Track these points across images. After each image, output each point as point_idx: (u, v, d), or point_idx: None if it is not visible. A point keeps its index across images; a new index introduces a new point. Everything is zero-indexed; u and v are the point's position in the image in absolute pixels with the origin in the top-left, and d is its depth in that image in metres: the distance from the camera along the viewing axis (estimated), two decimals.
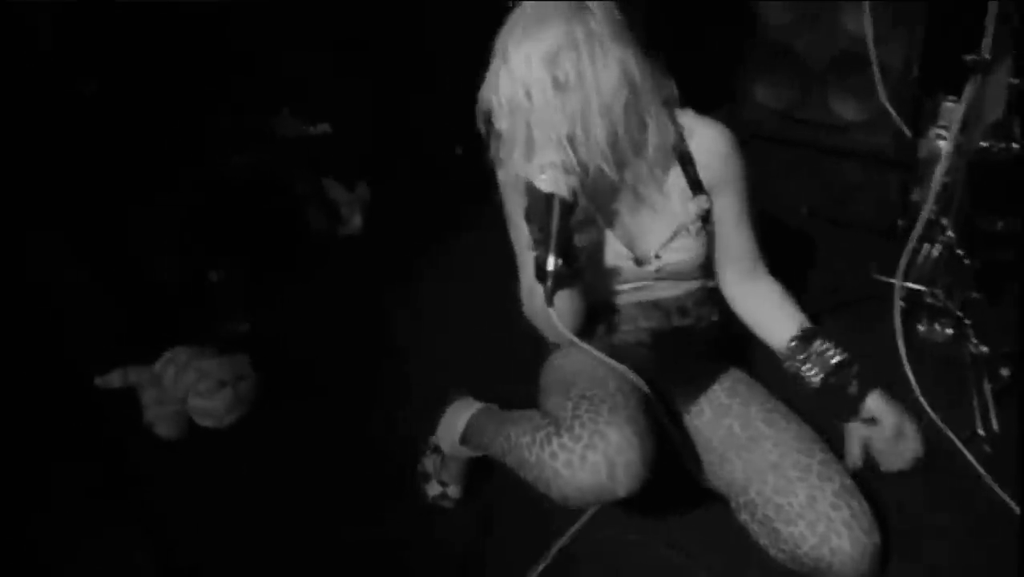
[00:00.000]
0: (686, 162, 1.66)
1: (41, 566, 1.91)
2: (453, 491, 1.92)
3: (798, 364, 1.72)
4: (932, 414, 1.95)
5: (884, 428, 1.64)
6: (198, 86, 2.75)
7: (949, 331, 2.18)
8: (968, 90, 1.91)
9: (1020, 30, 1.93)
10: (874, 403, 1.66)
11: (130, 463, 2.16)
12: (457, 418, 1.90)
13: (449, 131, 3.19)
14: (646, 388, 1.63)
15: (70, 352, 2.38)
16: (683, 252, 1.70)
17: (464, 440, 1.87)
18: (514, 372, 1.94)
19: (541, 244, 1.47)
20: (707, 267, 1.79)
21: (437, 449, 1.94)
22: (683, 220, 1.68)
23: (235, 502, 2.02)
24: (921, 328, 2.20)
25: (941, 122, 2.40)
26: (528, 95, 1.50)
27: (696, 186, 1.67)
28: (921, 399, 1.96)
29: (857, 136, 2.77)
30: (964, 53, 2.60)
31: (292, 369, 2.37)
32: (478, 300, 2.49)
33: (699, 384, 1.82)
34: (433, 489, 1.92)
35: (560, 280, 1.45)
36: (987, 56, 1.82)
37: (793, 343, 1.73)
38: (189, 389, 2.20)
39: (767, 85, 2.93)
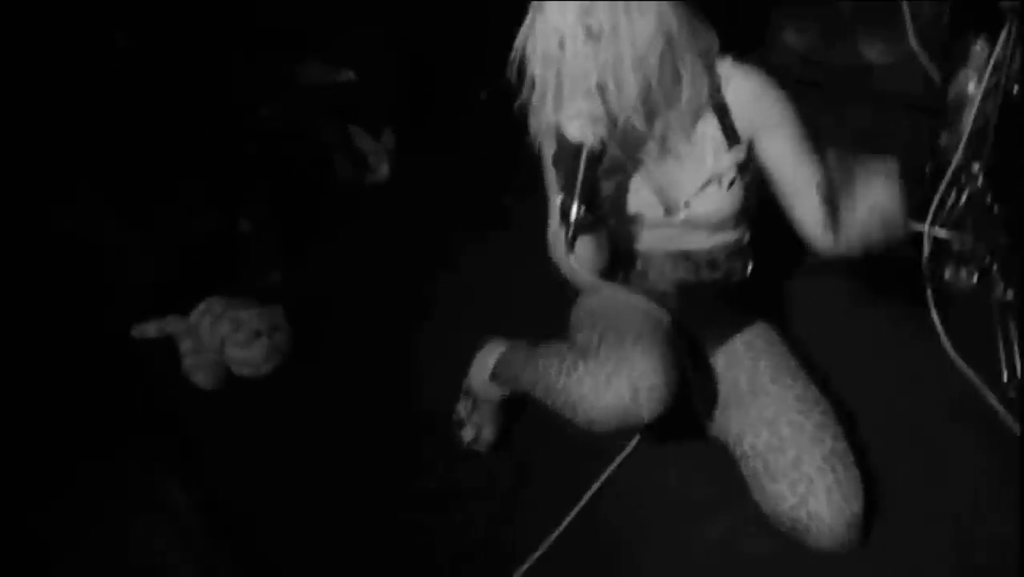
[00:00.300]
0: (721, 112, 1.66)
1: (85, 503, 1.95)
2: (487, 433, 1.97)
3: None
4: (958, 359, 1.98)
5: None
6: (223, 37, 2.75)
7: (975, 277, 2.19)
8: (1003, 35, 1.89)
9: None
10: None
11: (169, 410, 2.22)
12: (488, 357, 1.94)
13: (474, 77, 3.22)
14: (667, 320, 1.67)
15: (107, 302, 2.42)
16: (714, 203, 1.71)
17: (494, 376, 1.91)
18: (548, 322, 1.96)
19: (566, 191, 1.50)
20: (741, 218, 1.79)
21: (469, 392, 1.98)
22: (715, 171, 1.68)
23: (271, 450, 2.07)
24: (948, 273, 2.21)
25: (971, 65, 2.39)
26: (561, 44, 1.51)
27: (732, 136, 1.67)
28: (947, 344, 1.99)
29: (886, 79, 2.74)
30: None
31: (325, 320, 2.41)
32: (508, 249, 2.52)
33: (722, 332, 1.85)
34: (467, 434, 1.97)
35: (581, 227, 1.49)
36: (1021, 2, 1.80)
37: None
38: (225, 339, 2.25)
39: (796, 30, 2.90)
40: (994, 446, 1.83)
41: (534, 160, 1.79)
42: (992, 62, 1.98)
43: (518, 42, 1.57)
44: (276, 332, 2.27)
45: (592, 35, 1.49)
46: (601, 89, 1.51)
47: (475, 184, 2.86)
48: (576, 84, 1.52)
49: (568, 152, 1.50)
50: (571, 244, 1.50)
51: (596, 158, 1.50)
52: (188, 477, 2.01)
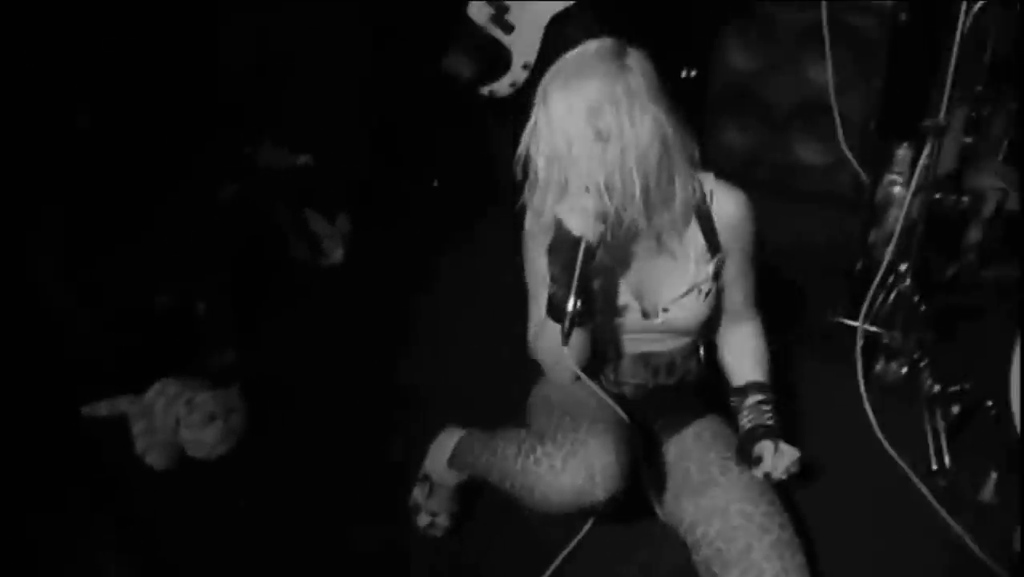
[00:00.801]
0: (707, 223, 1.74)
1: None
2: (442, 519, 2.00)
3: (738, 407, 1.86)
4: (890, 449, 2.09)
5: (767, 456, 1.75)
6: (183, 119, 2.80)
7: (904, 370, 2.31)
8: (925, 151, 2.05)
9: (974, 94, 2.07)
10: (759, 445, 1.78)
11: (120, 489, 2.21)
12: (446, 441, 1.99)
13: (427, 165, 3.32)
14: (627, 419, 1.75)
15: (59, 379, 2.41)
16: (691, 310, 1.79)
17: (452, 460, 1.96)
18: (502, 398, 2.04)
19: (562, 284, 1.57)
20: (708, 325, 1.88)
21: (426, 478, 2.02)
22: (696, 279, 1.77)
23: (228, 530, 2.07)
24: (878, 367, 2.34)
25: (896, 168, 2.56)
26: (569, 144, 1.56)
27: (714, 246, 1.75)
28: (880, 435, 2.10)
29: (818, 179, 2.92)
30: (918, 105, 2.79)
31: (280, 399, 2.42)
32: (464, 328, 2.62)
33: (673, 423, 1.94)
34: (423, 519, 2.00)
35: (576, 321, 1.56)
36: (943, 123, 1.96)
37: (737, 394, 1.87)
38: (180, 421, 2.25)
39: (732, 128, 3.07)
40: (925, 533, 1.93)
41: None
42: (919, 168, 2.12)
43: (523, 141, 1.63)
44: (231, 414, 2.28)
45: (600, 137, 1.55)
46: (608, 188, 1.57)
47: (429, 267, 2.94)
48: (582, 182, 1.58)
49: (567, 245, 1.57)
50: (567, 337, 1.56)
51: (592, 254, 1.58)
52: (135, 555, 2.01)
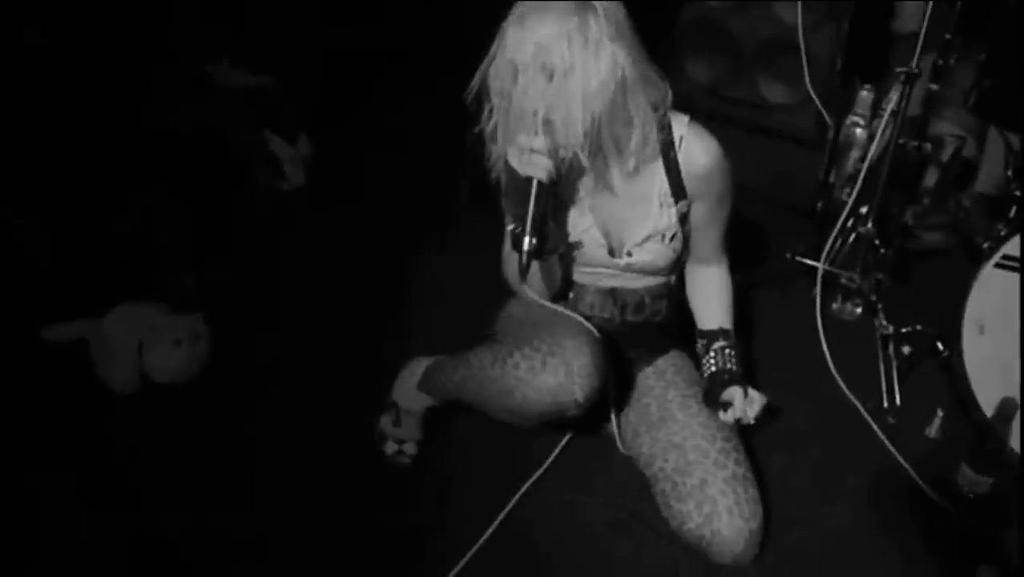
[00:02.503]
0: (672, 168, 1.74)
1: None
2: (409, 448, 2.03)
3: (703, 350, 1.90)
4: (843, 385, 2.16)
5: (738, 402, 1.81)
6: (138, 36, 2.71)
7: (859, 310, 2.39)
8: (894, 96, 2.08)
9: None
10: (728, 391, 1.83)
11: (82, 413, 2.19)
12: (415, 369, 2.01)
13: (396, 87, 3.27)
14: (597, 334, 1.78)
15: (16, 302, 2.37)
16: (654, 253, 1.82)
17: (422, 385, 1.98)
18: (481, 329, 2.05)
19: (518, 221, 1.59)
20: (674, 266, 1.90)
21: (393, 405, 2.04)
22: (659, 224, 1.78)
23: (190, 456, 2.07)
24: (835, 305, 2.41)
25: (857, 110, 2.60)
26: (515, 77, 1.57)
27: (679, 193, 1.76)
28: (834, 372, 2.17)
29: (782, 118, 2.93)
30: (882, 48, 2.81)
31: (244, 326, 2.41)
32: (428, 255, 2.64)
33: (635, 361, 1.99)
34: (390, 447, 2.03)
35: (532, 256, 1.59)
36: (916, 70, 1.99)
37: (704, 337, 1.92)
38: (144, 345, 2.23)
39: (699, 61, 3.05)
40: (874, 467, 2.02)
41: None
42: (886, 113, 2.15)
43: (481, 69, 1.62)
44: (197, 340, 2.26)
45: (545, 71, 1.55)
46: (547, 124, 1.57)
47: (396, 189, 2.92)
48: (523, 116, 1.58)
49: (518, 185, 1.59)
50: (524, 272, 1.59)
51: (546, 192, 1.58)
52: (96, 481, 2.01)
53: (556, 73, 1.54)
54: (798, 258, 2.45)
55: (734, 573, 1.75)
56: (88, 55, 2.56)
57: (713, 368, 1.86)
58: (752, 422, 1.79)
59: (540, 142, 1.57)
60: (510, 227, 1.63)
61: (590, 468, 2.01)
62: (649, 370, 1.97)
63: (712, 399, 1.84)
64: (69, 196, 2.48)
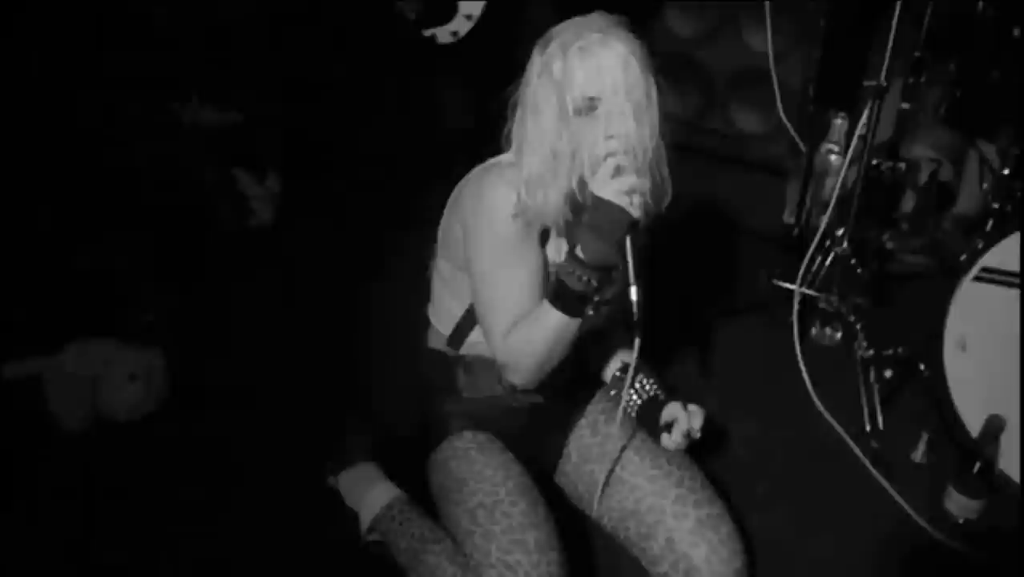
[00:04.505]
0: None
1: None
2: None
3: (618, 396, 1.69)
4: (824, 411, 2.10)
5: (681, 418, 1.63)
6: (105, 69, 2.68)
7: (839, 335, 2.34)
8: (866, 112, 2.05)
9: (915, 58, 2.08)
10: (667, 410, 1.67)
11: (33, 456, 2.10)
12: (364, 493, 1.83)
13: (356, 125, 3.23)
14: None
15: None
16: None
17: (373, 529, 1.79)
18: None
19: (593, 273, 1.45)
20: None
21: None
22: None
23: (145, 496, 1.97)
24: (814, 331, 2.35)
25: (832, 137, 2.59)
26: (586, 111, 1.41)
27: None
28: (815, 397, 2.11)
29: (756, 147, 2.92)
30: (855, 75, 2.80)
31: (201, 361, 2.33)
32: (393, 291, 2.50)
33: (570, 422, 1.83)
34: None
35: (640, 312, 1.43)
36: (884, 83, 1.96)
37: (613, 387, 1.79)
38: (97, 381, 2.14)
39: (672, 94, 3.05)
40: (859, 493, 1.95)
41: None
42: (856, 134, 2.13)
43: (519, 119, 1.50)
44: (153, 375, 2.18)
45: (631, 100, 1.41)
46: (640, 155, 1.43)
47: (361, 228, 2.87)
48: (620, 146, 1.41)
49: (615, 227, 1.41)
50: (642, 329, 1.44)
51: (638, 235, 1.44)
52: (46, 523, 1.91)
53: (637, 104, 1.41)
54: (774, 281, 2.39)
55: None
56: (52, 90, 2.52)
57: (639, 400, 1.71)
58: (699, 436, 1.63)
59: (641, 181, 1.41)
60: (571, 277, 1.45)
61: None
62: (583, 424, 1.81)
63: (650, 427, 1.69)
64: (28, 233, 2.41)
